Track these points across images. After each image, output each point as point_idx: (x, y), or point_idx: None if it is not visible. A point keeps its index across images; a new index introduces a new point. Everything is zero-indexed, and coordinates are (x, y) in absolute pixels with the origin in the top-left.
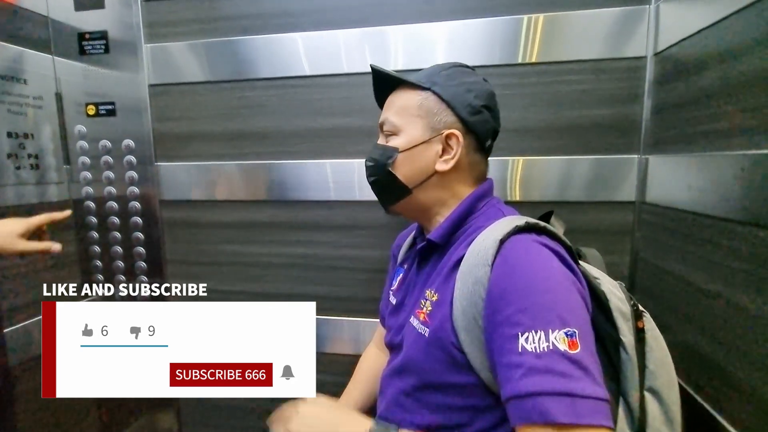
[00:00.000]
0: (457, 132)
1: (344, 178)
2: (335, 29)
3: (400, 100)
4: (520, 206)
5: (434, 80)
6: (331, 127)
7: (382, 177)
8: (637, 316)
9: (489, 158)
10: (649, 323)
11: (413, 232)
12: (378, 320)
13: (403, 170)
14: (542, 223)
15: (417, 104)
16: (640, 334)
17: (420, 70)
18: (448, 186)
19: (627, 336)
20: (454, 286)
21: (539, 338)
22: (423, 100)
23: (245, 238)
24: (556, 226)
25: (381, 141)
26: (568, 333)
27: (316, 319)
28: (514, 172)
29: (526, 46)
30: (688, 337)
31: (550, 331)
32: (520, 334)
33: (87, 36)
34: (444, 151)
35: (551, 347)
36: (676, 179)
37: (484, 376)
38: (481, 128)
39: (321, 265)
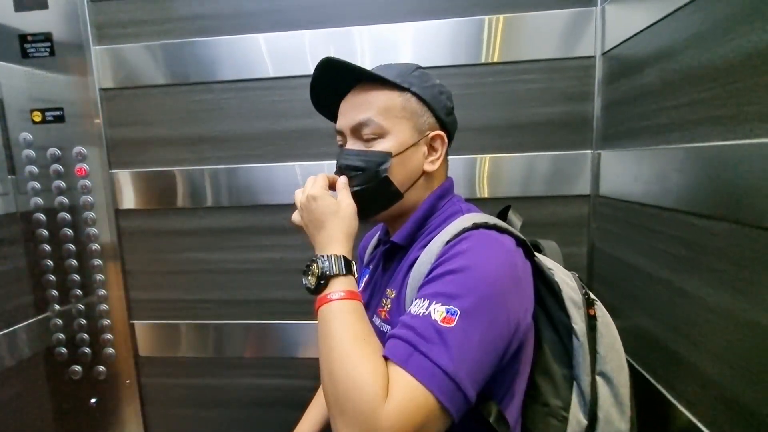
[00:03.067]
0: (441, 132)
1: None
2: (297, 30)
3: (378, 100)
4: (487, 202)
5: (410, 81)
6: (295, 129)
7: (373, 185)
8: (589, 304)
9: (457, 157)
10: (600, 310)
11: (378, 233)
12: None
13: (398, 175)
14: (492, 221)
15: (400, 105)
16: (591, 322)
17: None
18: (428, 186)
19: (578, 323)
20: (408, 283)
21: (423, 305)
22: (405, 101)
23: (210, 245)
24: (514, 220)
25: (357, 146)
26: (449, 310)
27: (288, 324)
28: (481, 169)
29: (489, 47)
30: (640, 320)
31: (433, 302)
32: (413, 300)
33: (29, 38)
34: (429, 152)
35: (425, 314)
36: (625, 173)
37: None
38: (452, 128)
39: (290, 269)
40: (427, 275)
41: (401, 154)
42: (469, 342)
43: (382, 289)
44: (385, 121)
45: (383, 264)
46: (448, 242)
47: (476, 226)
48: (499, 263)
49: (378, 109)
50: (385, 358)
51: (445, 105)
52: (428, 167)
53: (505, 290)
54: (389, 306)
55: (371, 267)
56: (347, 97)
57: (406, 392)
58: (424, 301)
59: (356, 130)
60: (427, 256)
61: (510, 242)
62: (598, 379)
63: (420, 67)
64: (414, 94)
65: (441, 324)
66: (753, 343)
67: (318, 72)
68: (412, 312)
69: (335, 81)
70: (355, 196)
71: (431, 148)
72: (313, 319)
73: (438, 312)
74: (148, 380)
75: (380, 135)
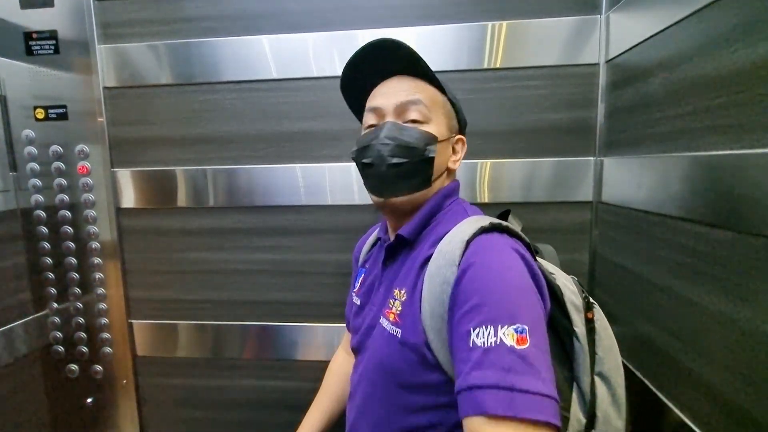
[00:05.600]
0: (463, 137)
1: (315, 182)
2: (302, 32)
3: (427, 90)
4: (488, 207)
5: (446, 86)
6: (297, 131)
7: (415, 162)
8: (588, 308)
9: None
10: (598, 314)
11: (374, 233)
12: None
13: (437, 161)
14: (505, 223)
15: (442, 102)
16: (590, 324)
17: None
18: (445, 182)
19: (579, 327)
20: (422, 286)
21: (488, 333)
22: (444, 101)
23: (210, 245)
24: (514, 224)
25: (407, 123)
26: (518, 329)
27: (287, 326)
28: (482, 174)
29: (491, 52)
30: (641, 327)
31: (500, 326)
32: (472, 329)
33: (34, 35)
34: (452, 153)
35: (498, 342)
36: (628, 180)
37: (451, 373)
38: (465, 135)
39: (290, 270)
40: (457, 288)
41: (440, 143)
42: (543, 354)
43: (386, 288)
44: (431, 110)
45: (383, 260)
46: (468, 241)
47: (492, 227)
48: (524, 271)
49: (427, 97)
50: (488, 415)
51: (463, 115)
52: (452, 165)
53: (536, 295)
54: (399, 309)
55: (367, 266)
56: (387, 83)
57: None
58: (486, 328)
59: (402, 110)
60: (444, 259)
61: (521, 246)
62: (597, 379)
63: None
64: (449, 98)
65: (519, 348)
66: (756, 351)
67: (368, 49)
68: (477, 344)
69: (377, 66)
70: (393, 168)
71: (453, 150)
72: (312, 321)
73: (509, 335)
74: (145, 380)
75: (425, 120)
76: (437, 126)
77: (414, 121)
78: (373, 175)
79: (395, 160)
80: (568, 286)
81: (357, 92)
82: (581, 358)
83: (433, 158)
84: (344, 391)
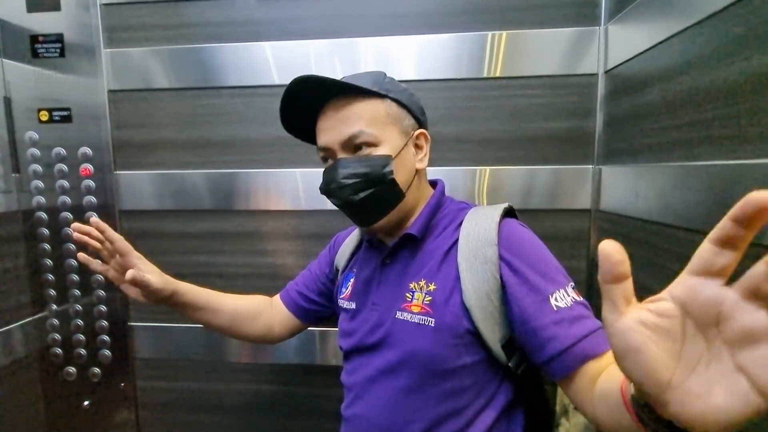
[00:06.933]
0: (424, 130)
1: (315, 186)
2: (304, 39)
3: (364, 111)
4: None
5: (386, 87)
6: None
7: (379, 188)
8: None
9: (457, 168)
10: None
11: (353, 234)
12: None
13: (400, 176)
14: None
15: (385, 112)
16: None
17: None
18: (421, 183)
19: None
20: (457, 271)
21: (563, 294)
22: (387, 107)
23: (211, 248)
24: None
25: (360, 152)
26: (573, 286)
27: None
28: (481, 181)
29: (491, 61)
30: None
31: (567, 287)
32: (550, 295)
33: (41, 38)
34: (416, 151)
35: (574, 300)
36: (626, 188)
37: (495, 349)
38: (426, 127)
39: (290, 274)
40: (510, 265)
41: (398, 155)
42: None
43: (395, 284)
44: (376, 130)
45: (382, 260)
46: (499, 222)
47: (512, 209)
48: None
49: (367, 120)
50: (596, 357)
51: (419, 105)
52: (419, 165)
53: None
54: (429, 299)
55: (355, 270)
56: (326, 112)
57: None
58: (559, 291)
59: (347, 144)
60: (478, 240)
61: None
62: None
63: (384, 73)
64: (393, 99)
65: (579, 299)
66: None
67: (292, 87)
68: (561, 306)
69: (307, 99)
70: (363, 203)
71: (417, 147)
72: (311, 325)
73: (573, 291)
74: (143, 383)
75: (374, 144)
76: (389, 141)
77: (366, 145)
78: (347, 212)
79: (361, 195)
80: None
81: (299, 121)
82: None
83: (393, 178)
84: (245, 319)
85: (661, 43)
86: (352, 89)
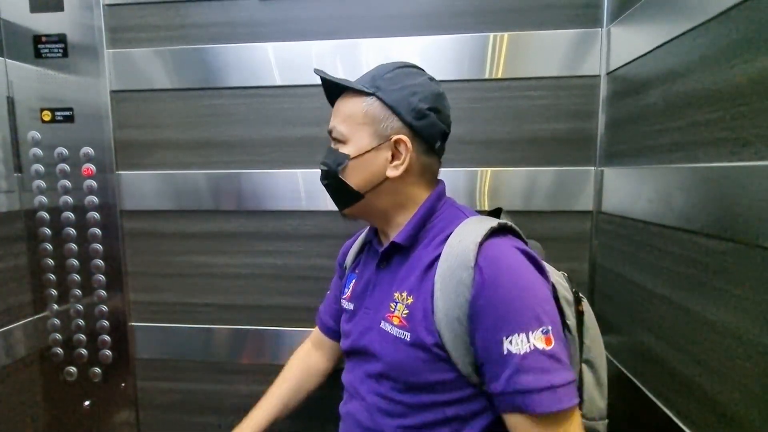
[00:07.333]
0: (404, 138)
1: (317, 187)
2: (306, 40)
3: (346, 108)
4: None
5: (378, 84)
6: (302, 136)
7: (333, 182)
8: (578, 301)
9: (459, 169)
10: (586, 306)
11: (360, 237)
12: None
13: (354, 177)
14: (509, 224)
15: (362, 112)
16: (580, 317)
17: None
18: (401, 190)
19: (571, 319)
20: (433, 287)
21: (521, 340)
22: (368, 106)
23: (212, 248)
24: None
25: (334, 145)
26: (544, 331)
27: (287, 330)
28: (482, 182)
29: (493, 62)
30: (641, 337)
31: (530, 332)
32: (504, 338)
33: (43, 39)
34: (394, 157)
35: (532, 348)
36: (628, 190)
37: (465, 371)
38: (428, 131)
39: (291, 275)
40: (477, 295)
41: (357, 158)
42: (562, 343)
43: (384, 291)
44: (345, 128)
45: (377, 264)
46: (480, 243)
47: (501, 227)
48: (535, 271)
49: (342, 117)
50: (533, 414)
51: (414, 107)
52: (391, 173)
53: (548, 289)
54: (406, 312)
55: (357, 271)
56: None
57: (578, 423)
58: (519, 336)
59: (330, 135)
60: (457, 260)
61: (524, 245)
62: (584, 366)
63: (404, 66)
64: (378, 98)
65: (548, 349)
66: (754, 362)
67: (321, 81)
68: (513, 351)
69: (331, 88)
70: (327, 189)
71: (397, 152)
72: (312, 326)
73: (539, 339)
74: (144, 384)
75: (343, 141)
76: (355, 142)
77: (337, 145)
78: None
79: (324, 182)
80: (560, 282)
81: None
82: (573, 348)
83: (341, 178)
84: (304, 382)
85: (663, 45)
86: (342, 86)
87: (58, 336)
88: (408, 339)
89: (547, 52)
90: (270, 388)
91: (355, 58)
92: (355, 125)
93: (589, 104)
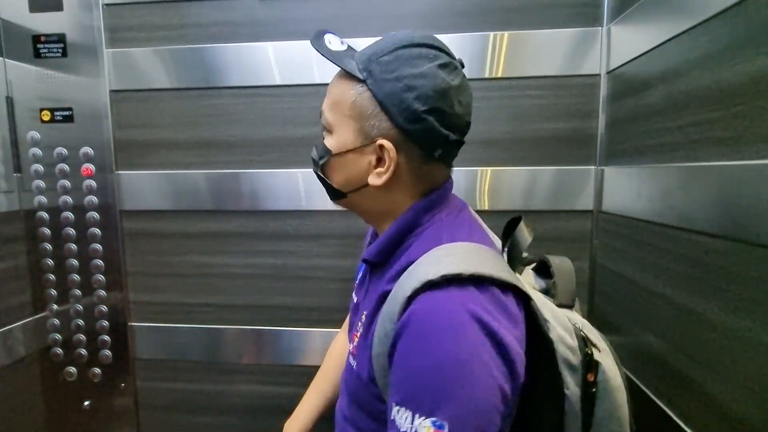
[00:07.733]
0: (387, 144)
1: (317, 187)
2: (306, 40)
3: (336, 90)
4: (488, 215)
5: (371, 68)
6: (302, 136)
7: (318, 174)
8: (589, 367)
9: (459, 168)
10: (602, 375)
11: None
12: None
13: (335, 175)
14: (477, 272)
15: (350, 101)
16: (588, 388)
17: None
18: (387, 198)
19: (572, 388)
20: (375, 328)
21: (406, 418)
22: (357, 96)
23: (212, 248)
24: (524, 234)
25: (323, 132)
26: (435, 423)
27: (287, 330)
28: (482, 182)
29: (493, 62)
30: (642, 337)
31: (417, 415)
32: (395, 404)
33: (43, 38)
34: (378, 163)
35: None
36: (628, 189)
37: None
38: (425, 137)
39: (291, 275)
40: (392, 351)
41: (339, 155)
42: None
43: (365, 301)
44: (331, 117)
45: (371, 268)
46: (410, 297)
47: (445, 280)
48: (473, 345)
49: (331, 101)
50: None
51: (408, 107)
52: (373, 180)
53: (484, 376)
54: (356, 341)
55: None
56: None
57: None
58: (405, 411)
59: (321, 115)
60: (390, 306)
61: (491, 304)
62: None
63: (406, 46)
64: (370, 89)
65: None
66: (756, 362)
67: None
68: (396, 423)
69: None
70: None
71: (382, 158)
72: (313, 326)
73: (425, 428)
74: (143, 384)
75: (329, 129)
76: (338, 136)
77: (325, 131)
78: None
79: (313, 169)
80: (564, 339)
81: None
82: (572, 422)
83: (320, 173)
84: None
85: (663, 43)
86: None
87: (58, 336)
88: (355, 368)
89: (548, 51)
90: (311, 384)
91: None
92: (342, 116)
93: (589, 103)
